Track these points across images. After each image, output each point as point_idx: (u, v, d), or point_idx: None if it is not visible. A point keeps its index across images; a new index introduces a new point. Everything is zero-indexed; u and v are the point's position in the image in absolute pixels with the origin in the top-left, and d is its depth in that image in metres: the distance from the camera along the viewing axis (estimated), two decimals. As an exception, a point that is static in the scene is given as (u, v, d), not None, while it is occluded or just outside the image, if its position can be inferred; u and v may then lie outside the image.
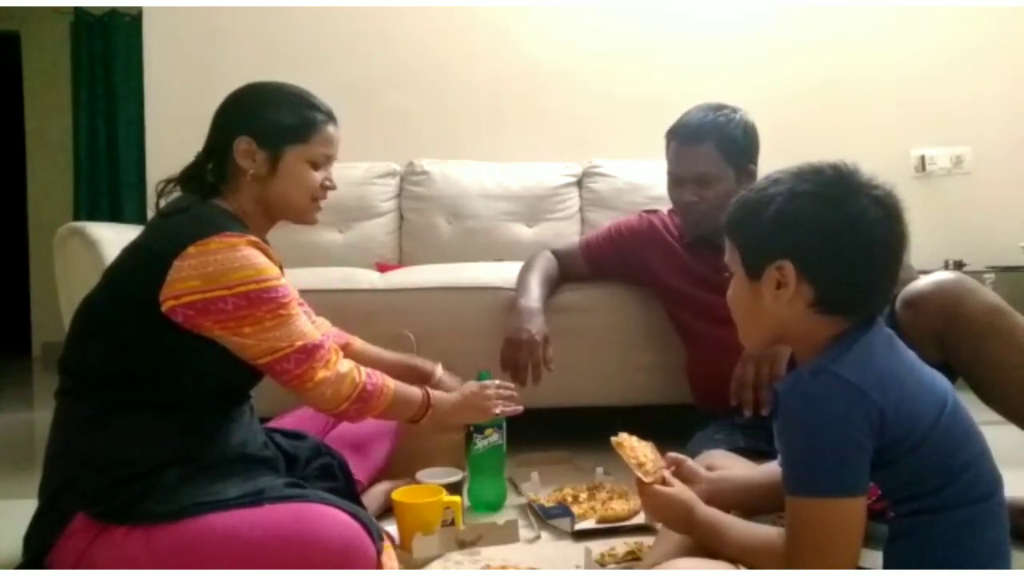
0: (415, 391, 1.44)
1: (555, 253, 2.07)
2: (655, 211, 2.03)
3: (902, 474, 0.91)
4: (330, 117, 1.39)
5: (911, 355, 0.99)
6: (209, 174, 1.33)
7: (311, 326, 1.31)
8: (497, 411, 1.56)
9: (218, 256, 1.20)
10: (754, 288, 1.01)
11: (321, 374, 1.26)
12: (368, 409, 1.33)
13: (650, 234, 1.97)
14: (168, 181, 1.35)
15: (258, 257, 1.24)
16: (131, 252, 1.28)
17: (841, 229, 0.95)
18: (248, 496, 1.16)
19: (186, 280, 1.18)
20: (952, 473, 0.92)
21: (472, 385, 1.58)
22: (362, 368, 1.35)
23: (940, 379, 0.98)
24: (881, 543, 0.93)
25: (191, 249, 1.20)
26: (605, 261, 2.03)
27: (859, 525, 0.90)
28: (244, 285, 1.21)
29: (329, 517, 1.12)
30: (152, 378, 1.21)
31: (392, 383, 1.38)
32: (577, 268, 2.06)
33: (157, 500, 1.13)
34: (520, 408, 1.60)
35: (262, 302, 1.22)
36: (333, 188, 1.41)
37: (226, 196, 1.34)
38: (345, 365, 1.31)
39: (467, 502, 1.64)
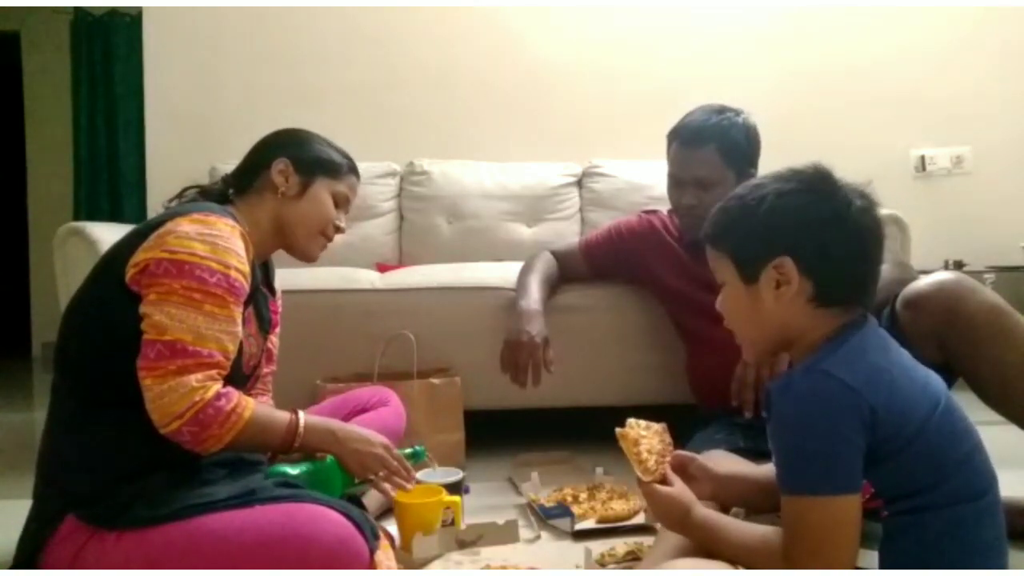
0: (279, 417, 1.25)
1: (555, 254, 2.07)
2: (655, 211, 2.03)
3: (895, 472, 0.92)
4: (357, 172, 1.51)
5: (905, 354, 1.00)
6: (233, 185, 1.41)
7: (221, 339, 1.17)
8: (373, 476, 1.32)
9: (187, 227, 1.19)
10: (751, 292, 1.01)
11: (172, 381, 1.11)
12: (206, 436, 1.13)
13: (650, 234, 1.97)
14: (190, 188, 1.41)
15: (228, 241, 1.21)
16: (121, 239, 1.26)
17: (833, 220, 0.97)
18: (239, 497, 1.14)
19: (147, 249, 1.17)
20: (945, 471, 0.92)
21: (377, 435, 1.35)
22: (231, 393, 1.17)
23: (934, 378, 0.99)
24: (876, 542, 0.93)
25: (169, 223, 1.20)
26: (605, 261, 2.03)
27: (855, 522, 0.91)
28: (185, 254, 1.16)
29: (321, 516, 1.11)
30: (132, 372, 1.15)
31: (252, 408, 1.18)
32: (577, 268, 2.06)
33: (146, 504, 1.12)
34: (393, 494, 1.35)
35: (188, 276, 1.15)
36: (342, 231, 1.49)
37: (239, 208, 1.37)
38: (211, 387, 1.14)
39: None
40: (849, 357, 0.94)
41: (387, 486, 1.33)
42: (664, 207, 1.99)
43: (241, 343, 1.25)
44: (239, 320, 1.22)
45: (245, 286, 1.23)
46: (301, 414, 1.28)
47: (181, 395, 1.12)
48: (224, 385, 1.18)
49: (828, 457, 0.90)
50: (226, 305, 1.18)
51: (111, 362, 1.17)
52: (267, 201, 1.40)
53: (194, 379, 1.13)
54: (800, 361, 1.00)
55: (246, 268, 1.23)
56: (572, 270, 2.06)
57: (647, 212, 2.04)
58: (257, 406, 1.21)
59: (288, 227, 1.41)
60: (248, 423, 1.17)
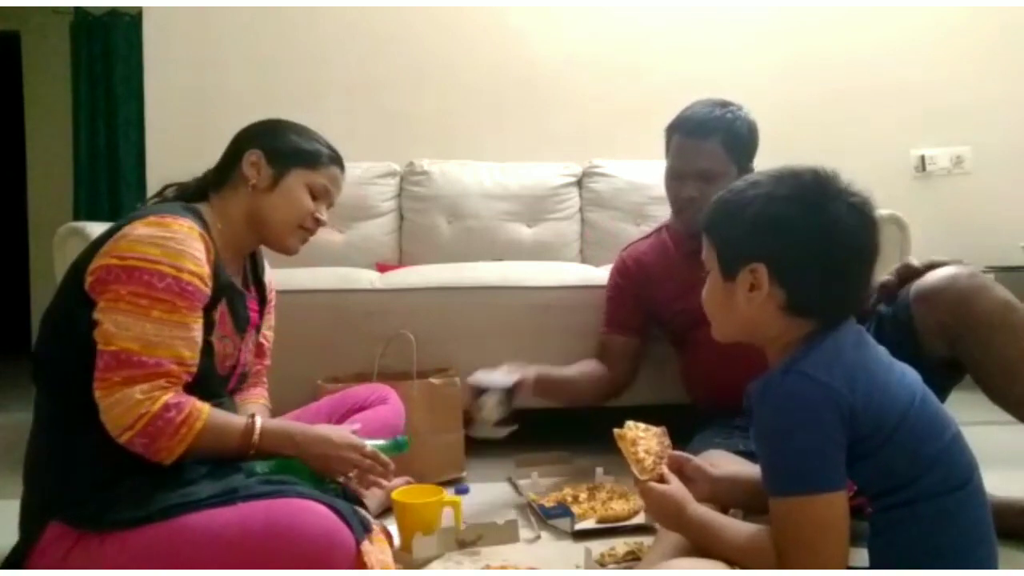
0: (235, 424, 1.22)
1: (599, 357, 1.96)
2: (626, 248, 2.02)
3: (876, 467, 0.93)
4: (340, 163, 1.44)
5: (881, 350, 1.01)
6: (211, 180, 1.37)
7: (174, 345, 1.14)
8: (343, 479, 1.31)
9: (141, 231, 1.16)
10: (727, 288, 1.02)
11: (119, 393, 1.10)
12: (157, 448, 1.12)
13: (636, 273, 1.94)
14: (170, 186, 1.38)
15: (183, 243, 1.17)
16: (87, 246, 1.24)
17: (816, 236, 0.97)
18: (220, 496, 1.13)
19: (102, 255, 1.16)
20: (925, 463, 0.93)
21: (343, 435, 1.31)
22: (183, 403, 1.14)
23: (910, 372, 1.00)
24: (863, 540, 0.94)
25: (126, 227, 1.18)
26: (635, 317, 1.95)
27: (843, 519, 0.91)
28: (136, 260, 1.13)
29: (305, 510, 1.09)
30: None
31: (205, 417, 1.16)
32: (621, 348, 1.95)
33: (128, 506, 1.11)
34: (367, 492, 1.34)
35: (135, 281, 1.12)
36: (323, 224, 1.43)
37: (214, 204, 1.35)
38: (159, 399, 1.12)
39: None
40: (825, 357, 0.95)
41: (376, 485, 1.32)
42: (663, 207, 1.97)
43: (213, 344, 1.23)
44: (193, 324, 1.19)
45: (201, 289, 1.19)
46: (258, 419, 1.25)
47: (127, 408, 1.10)
48: (189, 390, 1.16)
49: (811, 457, 0.91)
50: (176, 310, 1.15)
51: (78, 369, 1.15)
52: (240, 195, 1.36)
53: (139, 391, 1.11)
54: (775, 359, 1.01)
55: (203, 270, 1.20)
56: (622, 355, 1.94)
57: (621, 254, 2.01)
58: (213, 414, 1.18)
59: (261, 221, 1.37)
60: (201, 433, 1.15)
